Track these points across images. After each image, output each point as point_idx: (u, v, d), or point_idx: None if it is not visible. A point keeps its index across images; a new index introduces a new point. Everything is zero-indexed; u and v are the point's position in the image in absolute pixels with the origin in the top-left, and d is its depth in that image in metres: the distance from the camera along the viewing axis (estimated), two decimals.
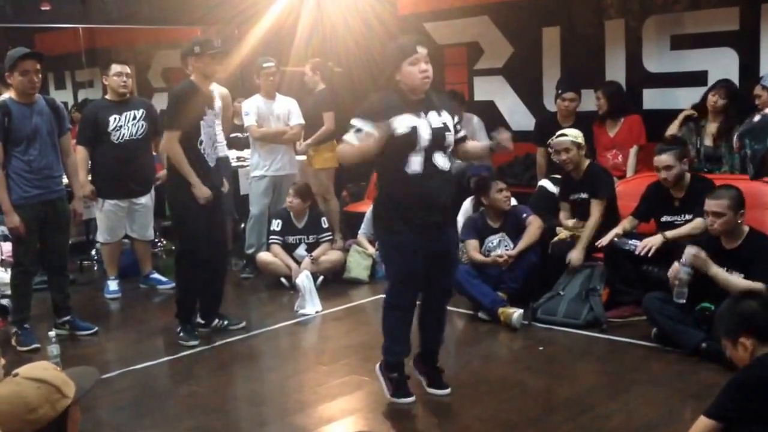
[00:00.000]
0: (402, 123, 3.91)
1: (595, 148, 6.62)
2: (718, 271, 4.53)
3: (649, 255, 5.19)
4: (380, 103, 4.01)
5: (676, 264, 4.63)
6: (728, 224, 4.59)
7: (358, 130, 3.94)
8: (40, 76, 5.18)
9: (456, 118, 4.14)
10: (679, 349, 4.68)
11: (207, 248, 5.28)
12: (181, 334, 5.35)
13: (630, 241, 5.35)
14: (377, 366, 4.33)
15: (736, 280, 4.48)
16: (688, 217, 5.32)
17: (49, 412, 2.28)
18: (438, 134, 3.97)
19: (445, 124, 4.03)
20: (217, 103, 5.42)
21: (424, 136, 3.93)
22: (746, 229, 4.67)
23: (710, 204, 4.63)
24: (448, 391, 4.33)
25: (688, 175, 5.40)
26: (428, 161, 3.94)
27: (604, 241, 5.46)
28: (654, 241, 5.23)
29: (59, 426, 2.34)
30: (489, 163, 7.37)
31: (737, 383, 2.76)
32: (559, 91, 6.87)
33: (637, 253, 5.24)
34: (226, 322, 5.61)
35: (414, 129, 3.92)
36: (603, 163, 6.52)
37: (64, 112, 5.54)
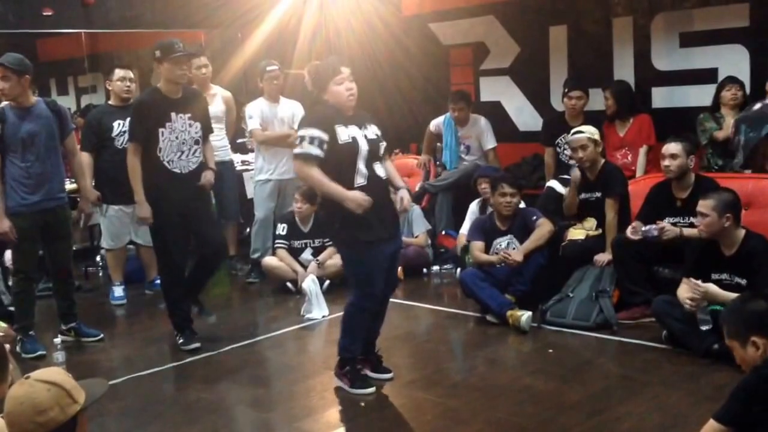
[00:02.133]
0: (343, 133, 4.16)
1: (605, 147, 6.55)
2: (717, 293, 4.45)
3: (663, 237, 5.11)
4: (325, 112, 4.23)
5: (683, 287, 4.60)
6: (712, 227, 4.53)
7: (312, 139, 4.10)
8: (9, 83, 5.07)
9: (379, 132, 4.37)
10: (691, 351, 4.61)
11: (183, 259, 5.32)
12: (181, 340, 5.30)
13: (648, 228, 5.21)
14: (334, 371, 4.50)
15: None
16: (692, 218, 5.23)
17: (59, 415, 2.32)
18: (374, 144, 4.26)
19: (378, 135, 4.33)
20: (218, 107, 5.37)
21: (363, 146, 4.18)
22: (742, 233, 4.58)
23: (699, 204, 4.61)
24: (391, 374, 4.58)
25: (692, 176, 5.32)
26: (371, 172, 4.22)
27: (634, 237, 5.28)
28: (671, 231, 5.13)
29: (68, 431, 2.35)
30: (497, 165, 7.34)
31: (747, 387, 2.71)
32: (566, 90, 6.82)
33: (656, 233, 5.12)
34: (196, 309, 5.66)
35: (354, 139, 4.17)
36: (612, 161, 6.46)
37: (66, 113, 5.47)
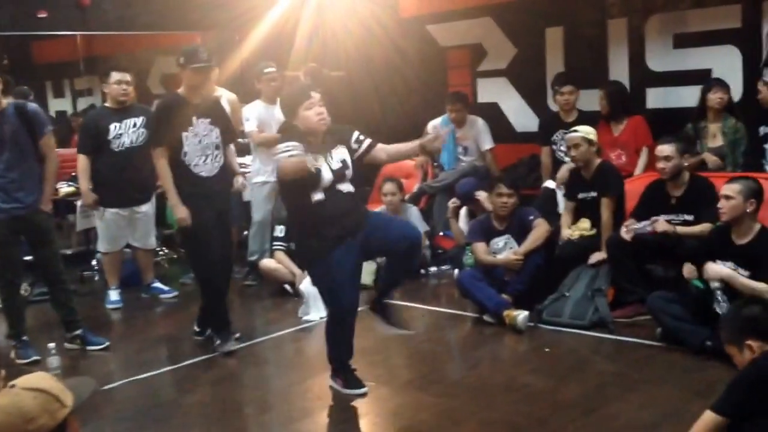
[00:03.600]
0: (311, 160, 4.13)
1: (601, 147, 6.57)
2: (745, 282, 4.45)
3: (658, 230, 5.19)
4: (297, 138, 4.14)
5: (688, 265, 4.71)
6: (735, 210, 4.56)
7: (293, 148, 4.05)
8: None
9: (355, 137, 4.35)
10: (685, 348, 4.63)
11: (218, 256, 5.21)
12: (218, 342, 5.22)
13: (641, 225, 5.29)
14: (329, 378, 4.48)
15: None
16: (686, 216, 5.30)
17: (48, 422, 2.26)
18: (338, 173, 4.22)
19: (343, 161, 4.27)
20: (226, 109, 5.39)
21: (326, 177, 4.16)
22: (758, 226, 4.61)
23: (724, 188, 4.64)
24: (408, 332, 4.89)
25: (687, 174, 5.36)
26: (331, 190, 4.19)
27: (627, 236, 5.34)
28: (665, 227, 5.19)
29: None
30: (495, 166, 7.38)
31: (745, 378, 2.75)
32: (556, 87, 6.86)
33: (649, 230, 5.20)
34: (218, 341, 5.36)
35: (318, 171, 4.13)
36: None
37: (37, 115, 5.27)
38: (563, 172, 6.36)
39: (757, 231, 4.60)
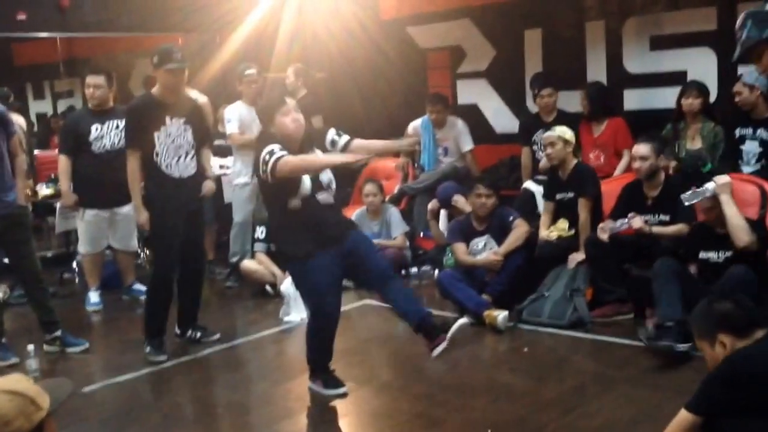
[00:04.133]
0: None
1: (579, 146, 6.61)
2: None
3: (633, 227, 5.31)
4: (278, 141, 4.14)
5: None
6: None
7: (280, 149, 4.03)
8: None
9: (330, 138, 4.32)
10: (663, 347, 4.66)
11: (176, 266, 5.26)
12: (148, 349, 5.22)
13: (617, 224, 5.36)
14: (308, 380, 4.47)
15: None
16: (662, 216, 5.37)
17: (24, 424, 2.25)
18: (317, 183, 4.19)
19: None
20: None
21: (306, 185, 4.13)
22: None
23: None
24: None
25: (662, 174, 5.43)
26: (309, 199, 4.17)
27: (603, 236, 5.40)
28: (639, 223, 5.28)
29: None
30: (475, 166, 7.43)
31: (718, 377, 2.77)
32: (536, 90, 6.91)
33: (625, 227, 5.31)
34: (199, 334, 5.52)
35: (298, 178, 4.11)
36: (584, 160, 6.53)
37: (5, 116, 5.30)
38: (545, 162, 6.35)
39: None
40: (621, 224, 5.32)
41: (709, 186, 4.90)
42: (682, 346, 4.51)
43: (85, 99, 6.74)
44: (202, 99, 7.17)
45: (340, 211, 4.52)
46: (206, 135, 5.58)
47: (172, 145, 5.16)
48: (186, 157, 5.24)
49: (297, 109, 4.26)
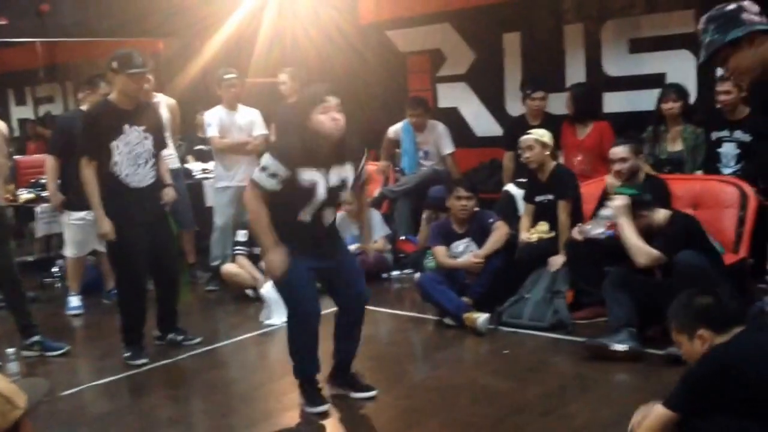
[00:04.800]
0: (307, 175, 3.99)
1: (561, 148, 6.61)
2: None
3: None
4: (294, 148, 4.02)
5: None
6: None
7: (272, 174, 3.94)
8: None
9: (363, 162, 4.26)
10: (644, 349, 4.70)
11: (143, 274, 5.21)
12: (128, 354, 5.18)
13: (595, 231, 5.29)
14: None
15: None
16: None
17: (1, 423, 2.25)
18: (333, 193, 4.09)
19: (343, 181, 4.13)
20: (164, 115, 5.30)
21: (320, 193, 4.03)
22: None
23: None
24: (374, 392, 4.38)
25: (642, 174, 5.45)
26: (317, 215, 4.10)
27: (578, 237, 5.40)
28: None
29: None
30: (455, 169, 7.45)
31: (695, 374, 2.80)
32: (528, 92, 6.91)
33: (603, 237, 5.20)
34: (180, 338, 5.51)
35: (314, 186, 4.01)
36: (567, 164, 6.55)
37: None
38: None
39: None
40: (600, 233, 5.24)
41: (606, 213, 4.94)
42: (620, 346, 4.63)
43: (67, 104, 6.68)
44: (170, 102, 7.18)
45: (336, 231, 4.38)
46: (164, 141, 5.49)
47: (130, 155, 5.05)
48: (145, 166, 5.13)
49: (340, 108, 4.00)
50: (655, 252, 4.70)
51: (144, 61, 5.07)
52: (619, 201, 4.87)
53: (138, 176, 5.11)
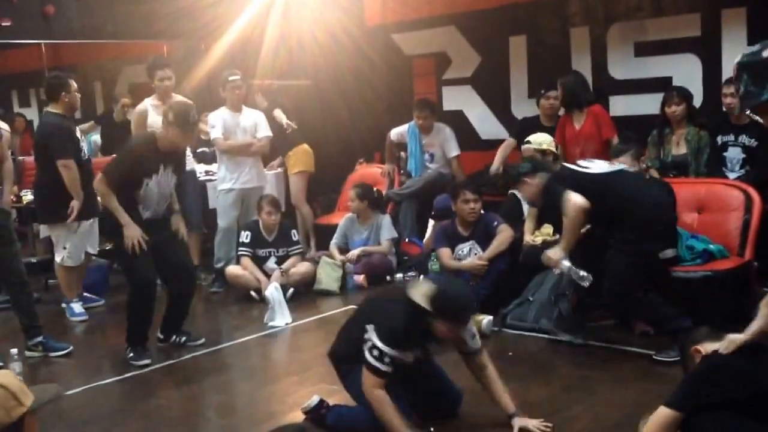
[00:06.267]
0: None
1: (561, 144, 6.53)
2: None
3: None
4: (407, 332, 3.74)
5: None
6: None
7: (383, 357, 3.66)
8: None
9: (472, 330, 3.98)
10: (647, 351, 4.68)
11: (154, 275, 5.24)
12: (131, 355, 5.21)
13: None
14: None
15: None
16: None
17: (3, 417, 2.28)
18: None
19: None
20: None
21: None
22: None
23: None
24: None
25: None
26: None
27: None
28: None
29: None
30: (461, 172, 7.43)
31: (697, 373, 2.80)
32: (542, 91, 6.86)
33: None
34: (184, 338, 5.53)
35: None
36: (570, 159, 6.50)
37: None
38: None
39: None
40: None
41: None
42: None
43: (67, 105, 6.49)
44: (186, 103, 7.18)
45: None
46: (182, 178, 5.63)
47: (158, 194, 5.22)
48: (164, 204, 5.32)
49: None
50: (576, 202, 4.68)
51: (196, 116, 5.27)
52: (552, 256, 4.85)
53: (153, 212, 5.26)
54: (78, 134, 6.34)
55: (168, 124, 5.12)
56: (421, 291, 3.67)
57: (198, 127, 5.32)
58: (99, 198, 5.29)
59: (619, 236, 4.71)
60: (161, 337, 5.55)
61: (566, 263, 4.77)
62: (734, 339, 2.80)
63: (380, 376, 3.66)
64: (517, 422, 3.80)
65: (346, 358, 3.94)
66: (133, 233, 5.06)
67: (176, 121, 5.09)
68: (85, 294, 6.77)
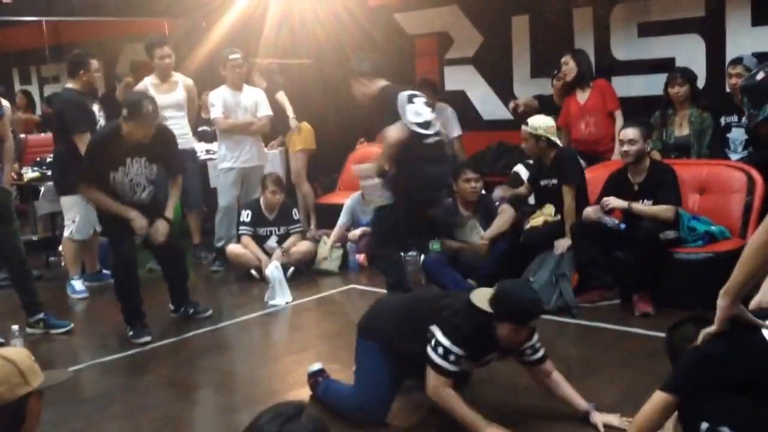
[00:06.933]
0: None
1: (564, 124, 6.56)
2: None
3: (606, 209, 5.37)
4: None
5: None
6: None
7: (448, 356, 3.51)
8: None
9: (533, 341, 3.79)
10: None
11: (134, 253, 5.29)
12: (131, 333, 5.23)
13: (607, 219, 5.34)
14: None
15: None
16: (647, 201, 5.34)
17: (6, 392, 2.28)
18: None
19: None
20: (179, 95, 5.35)
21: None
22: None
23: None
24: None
25: (648, 160, 5.42)
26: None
27: (592, 215, 5.40)
28: (616, 202, 5.31)
29: (16, 412, 2.33)
30: (462, 153, 7.41)
31: (691, 357, 2.79)
32: (555, 72, 6.80)
33: (613, 223, 5.30)
34: (192, 310, 5.63)
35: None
36: (575, 135, 6.50)
37: None
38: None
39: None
40: (611, 223, 5.29)
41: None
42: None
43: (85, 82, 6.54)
44: (187, 81, 7.17)
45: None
46: (176, 166, 5.54)
47: (129, 184, 5.21)
48: (142, 193, 5.28)
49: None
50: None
51: (154, 109, 5.09)
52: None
53: (129, 202, 5.23)
54: (96, 110, 6.39)
55: (123, 119, 5.05)
56: (483, 295, 3.56)
57: (157, 114, 5.16)
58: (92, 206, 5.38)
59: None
60: (173, 308, 5.69)
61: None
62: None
63: (446, 375, 3.53)
64: (597, 418, 3.69)
65: (377, 335, 3.82)
66: (140, 224, 5.15)
67: (129, 114, 5.02)
68: (103, 270, 6.80)
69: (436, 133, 5.18)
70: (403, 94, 5.12)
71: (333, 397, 3.97)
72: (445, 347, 3.49)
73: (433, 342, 3.52)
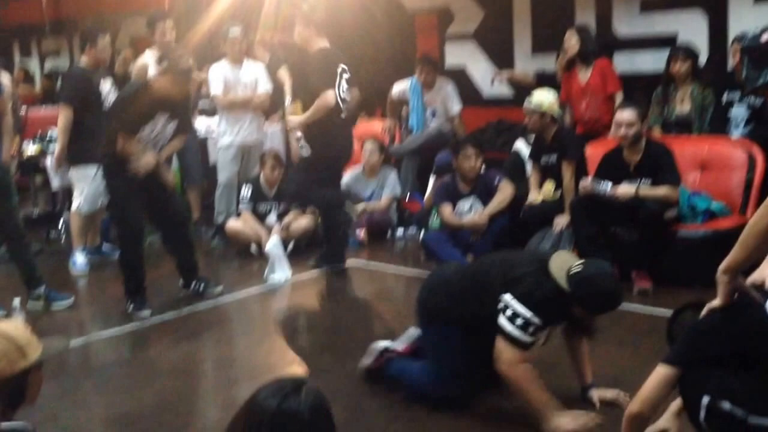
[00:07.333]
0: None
1: (568, 96, 6.54)
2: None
3: (617, 198, 5.27)
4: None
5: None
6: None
7: (527, 327, 3.37)
8: None
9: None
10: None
11: (140, 226, 5.34)
12: (132, 306, 5.27)
13: (601, 185, 5.30)
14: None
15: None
16: (645, 180, 5.31)
17: (5, 368, 2.28)
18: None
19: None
20: None
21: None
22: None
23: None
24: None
25: (644, 140, 5.39)
26: None
27: (588, 188, 5.37)
28: (625, 191, 5.24)
29: (17, 386, 2.33)
30: (462, 129, 7.40)
31: (695, 327, 2.80)
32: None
33: (608, 194, 5.25)
34: (202, 285, 5.63)
35: None
36: (577, 114, 6.48)
37: None
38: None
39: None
40: (604, 189, 5.28)
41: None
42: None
43: (74, 58, 6.66)
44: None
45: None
46: (187, 124, 5.69)
47: (152, 142, 5.25)
48: (159, 150, 5.33)
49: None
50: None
51: (192, 67, 5.28)
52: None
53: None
54: (104, 86, 6.41)
55: (160, 72, 5.16)
56: (561, 265, 3.41)
57: (192, 75, 5.25)
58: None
59: None
60: (182, 282, 5.70)
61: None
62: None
63: (523, 348, 3.37)
64: (595, 393, 3.70)
65: (440, 314, 3.69)
66: (148, 159, 5.17)
67: (169, 67, 5.13)
68: (104, 245, 6.85)
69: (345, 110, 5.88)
70: (341, 66, 5.72)
71: (413, 380, 3.77)
72: (525, 318, 3.33)
73: (509, 312, 3.36)
